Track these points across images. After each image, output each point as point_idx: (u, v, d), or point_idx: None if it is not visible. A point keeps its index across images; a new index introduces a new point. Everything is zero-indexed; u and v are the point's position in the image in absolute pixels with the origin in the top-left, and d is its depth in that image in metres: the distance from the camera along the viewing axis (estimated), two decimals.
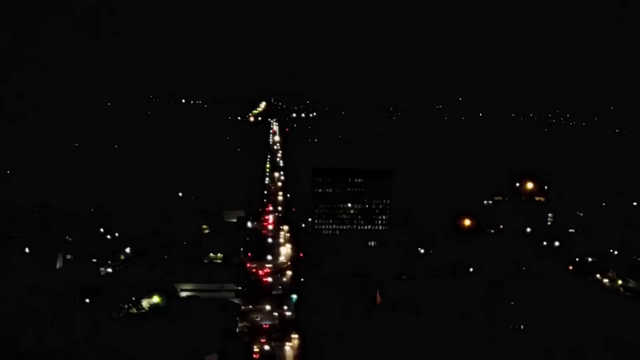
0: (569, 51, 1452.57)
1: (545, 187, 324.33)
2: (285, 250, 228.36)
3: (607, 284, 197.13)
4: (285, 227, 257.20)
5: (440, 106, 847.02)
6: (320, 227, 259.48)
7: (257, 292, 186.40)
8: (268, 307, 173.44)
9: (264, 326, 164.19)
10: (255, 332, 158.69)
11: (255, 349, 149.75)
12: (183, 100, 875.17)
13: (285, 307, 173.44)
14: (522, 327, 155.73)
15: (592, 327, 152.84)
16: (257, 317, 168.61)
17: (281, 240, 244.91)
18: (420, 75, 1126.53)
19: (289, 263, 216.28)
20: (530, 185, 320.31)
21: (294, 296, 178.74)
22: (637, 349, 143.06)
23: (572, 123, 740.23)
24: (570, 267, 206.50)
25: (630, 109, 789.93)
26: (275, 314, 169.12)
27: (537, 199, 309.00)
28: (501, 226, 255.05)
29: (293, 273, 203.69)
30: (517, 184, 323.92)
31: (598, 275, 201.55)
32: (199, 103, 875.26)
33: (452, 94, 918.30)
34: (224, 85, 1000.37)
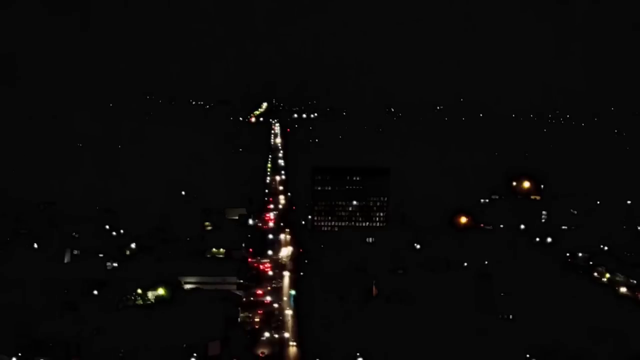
0: (569, 51, 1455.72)
1: (542, 186, 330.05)
2: (286, 248, 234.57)
3: (597, 278, 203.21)
4: (287, 229, 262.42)
5: (440, 107, 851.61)
6: (319, 224, 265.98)
7: (258, 284, 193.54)
8: (268, 298, 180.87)
9: (265, 302, 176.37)
10: (256, 306, 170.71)
11: (256, 319, 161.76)
12: (185, 101, 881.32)
13: (285, 299, 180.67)
14: (510, 317, 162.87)
15: (580, 318, 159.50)
16: (258, 292, 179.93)
17: (282, 238, 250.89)
18: (420, 75, 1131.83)
19: (289, 259, 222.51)
20: (526, 184, 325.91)
21: (293, 292, 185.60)
22: (625, 341, 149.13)
23: (573, 123, 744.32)
24: (561, 262, 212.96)
25: (630, 110, 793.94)
26: (276, 305, 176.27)
27: (532, 197, 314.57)
28: (501, 225, 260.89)
29: (293, 268, 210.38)
30: (514, 183, 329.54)
31: (588, 270, 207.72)
32: (200, 104, 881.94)
33: (452, 94, 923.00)
34: (225, 86, 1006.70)
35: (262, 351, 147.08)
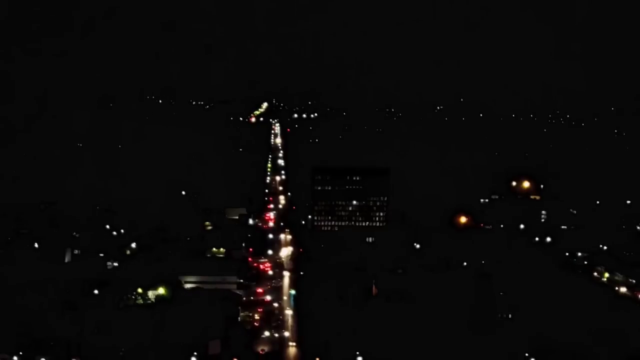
0: (569, 51, 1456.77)
1: (542, 186, 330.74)
2: (286, 248, 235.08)
3: (596, 277, 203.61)
4: (287, 229, 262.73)
5: (441, 107, 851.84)
6: (319, 223, 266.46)
7: (258, 283, 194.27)
8: (269, 297, 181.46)
9: (265, 300, 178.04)
10: (256, 305, 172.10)
11: (256, 317, 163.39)
12: (185, 101, 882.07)
13: (285, 299, 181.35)
14: (510, 316, 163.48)
15: (579, 318, 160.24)
16: (258, 291, 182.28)
17: (282, 238, 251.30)
18: (420, 75, 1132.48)
19: (289, 259, 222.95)
20: (526, 184, 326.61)
21: (293, 292, 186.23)
22: (624, 340, 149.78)
23: (573, 123, 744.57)
24: (560, 261, 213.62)
25: (630, 110, 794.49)
26: (276, 304, 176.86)
27: (532, 197, 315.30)
28: (501, 225, 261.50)
29: (292, 268, 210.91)
30: (514, 183, 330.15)
31: (587, 269, 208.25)
32: (200, 104, 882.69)
33: (452, 94, 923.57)
34: (225, 86, 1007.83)
35: (262, 348, 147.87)
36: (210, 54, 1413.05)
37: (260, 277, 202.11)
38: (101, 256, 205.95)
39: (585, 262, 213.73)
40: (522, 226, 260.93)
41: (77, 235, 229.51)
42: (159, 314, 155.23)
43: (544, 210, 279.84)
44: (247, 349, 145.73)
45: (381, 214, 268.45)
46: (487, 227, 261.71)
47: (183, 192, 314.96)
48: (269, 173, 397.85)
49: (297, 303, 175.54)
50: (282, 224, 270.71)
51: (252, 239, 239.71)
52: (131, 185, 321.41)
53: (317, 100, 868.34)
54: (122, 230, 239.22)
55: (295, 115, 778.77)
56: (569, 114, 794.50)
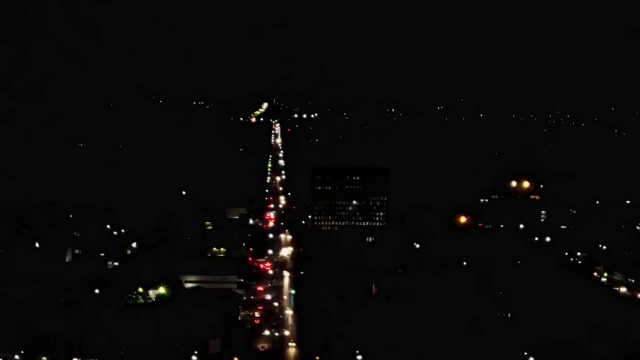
0: (569, 51, 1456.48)
1: (541, 186, 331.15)
2: (286, 248, 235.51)
3: (595, 277, 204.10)
4: (287, 229, 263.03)
5: (441, 107, 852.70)
6: (319, 223, 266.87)
7: (258, 282, 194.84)
8: (269, 297, 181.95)
9: (265, 299, 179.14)
10: (256, 303, 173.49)
11: (257, 315, 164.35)
12: (185, 101, 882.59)
13: (285, 298, 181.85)
14: (509, 315, 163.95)
15: (578, 317, 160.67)
16: (259, 289, 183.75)
17: (282, 238, 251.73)
18: (420, 75, 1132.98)
19: (289, 258, 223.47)
20: (526, 184, 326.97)
21: (293, 291, 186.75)
22: (623, 339, 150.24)
23: (573, 123, 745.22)
24: (560, 261, 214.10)
25: (630, 110, 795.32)
26: (276, 304, 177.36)
27: (532, 197, 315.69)
28: (501, 225, 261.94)
29: (293, 268, 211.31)
30: (514, 183, 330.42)
31: (586, 269, 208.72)
32: (200, 104, 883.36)
33: (452, 94, 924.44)
34: (225, 86, 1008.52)
35: (262, 345, 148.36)
36: (210, 54, 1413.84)
37: (260, 276, 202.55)
38: (102, 256, 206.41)
39: (584, 262, 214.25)
40: (521, 226, 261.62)
41: (78, 235, 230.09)
42: (159, 313, 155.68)
43: (544, 210, 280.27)
44: (248, 347, 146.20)
45: (381, 214, 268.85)
46: (487, 227, 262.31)
47: (183, 192, 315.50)
48: (269, 173, 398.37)
49: (297, 302, 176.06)
50: (282, 223, 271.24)
51: (252, 238, 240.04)
52: (131, 185, 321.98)
53: (317, 100, 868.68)
54: (122, 230, 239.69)
55: (295, 115, 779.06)
56: (569, 114, 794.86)
